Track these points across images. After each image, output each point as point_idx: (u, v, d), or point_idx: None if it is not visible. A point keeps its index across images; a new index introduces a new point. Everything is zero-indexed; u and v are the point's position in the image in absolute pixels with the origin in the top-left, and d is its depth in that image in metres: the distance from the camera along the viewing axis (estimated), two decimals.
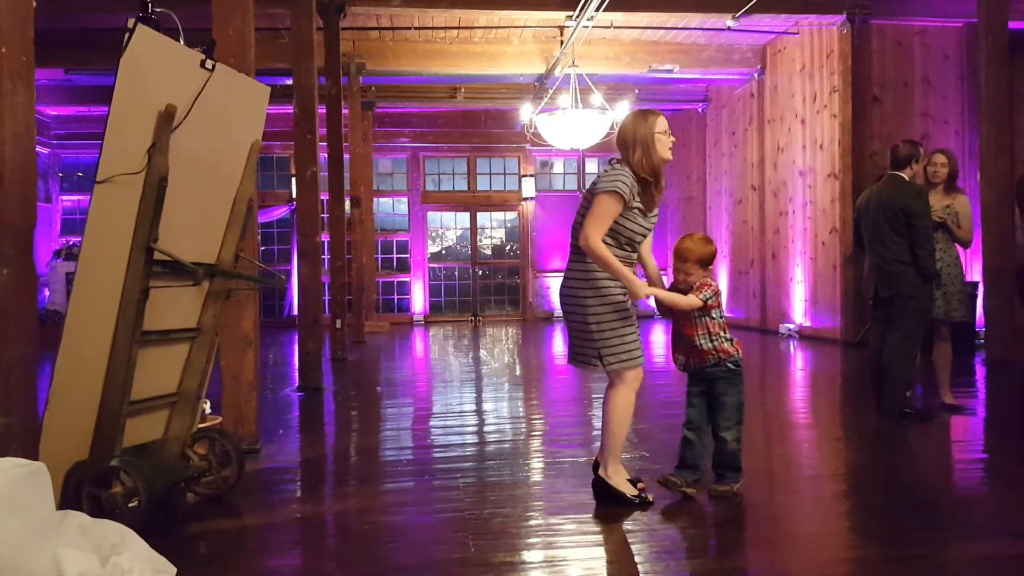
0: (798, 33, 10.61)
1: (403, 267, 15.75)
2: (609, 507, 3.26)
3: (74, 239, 14.01)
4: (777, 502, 3.47)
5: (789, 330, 10.81)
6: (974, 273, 9.36)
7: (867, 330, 6.92)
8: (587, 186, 3.39)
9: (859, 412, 5.37)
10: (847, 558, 2.75)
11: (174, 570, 2.48)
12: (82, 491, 2.87)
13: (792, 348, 9.60)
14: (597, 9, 8.64)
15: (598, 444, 3.48)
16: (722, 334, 3.37)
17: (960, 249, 5.25)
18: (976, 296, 8.49)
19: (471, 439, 4.76)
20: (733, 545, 2.89)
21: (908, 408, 4.92)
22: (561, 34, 10.60)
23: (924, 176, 5.21)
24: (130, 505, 2.88)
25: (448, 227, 16.23)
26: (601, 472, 3.33)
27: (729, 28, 9.78)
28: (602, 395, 3.44)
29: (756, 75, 11.79)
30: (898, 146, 5.07)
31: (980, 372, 7.24)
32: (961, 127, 9.70)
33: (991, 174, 7.84)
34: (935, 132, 9.57)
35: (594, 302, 3.22)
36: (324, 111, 8.52)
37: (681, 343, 3.44)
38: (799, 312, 10.73)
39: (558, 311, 16.56)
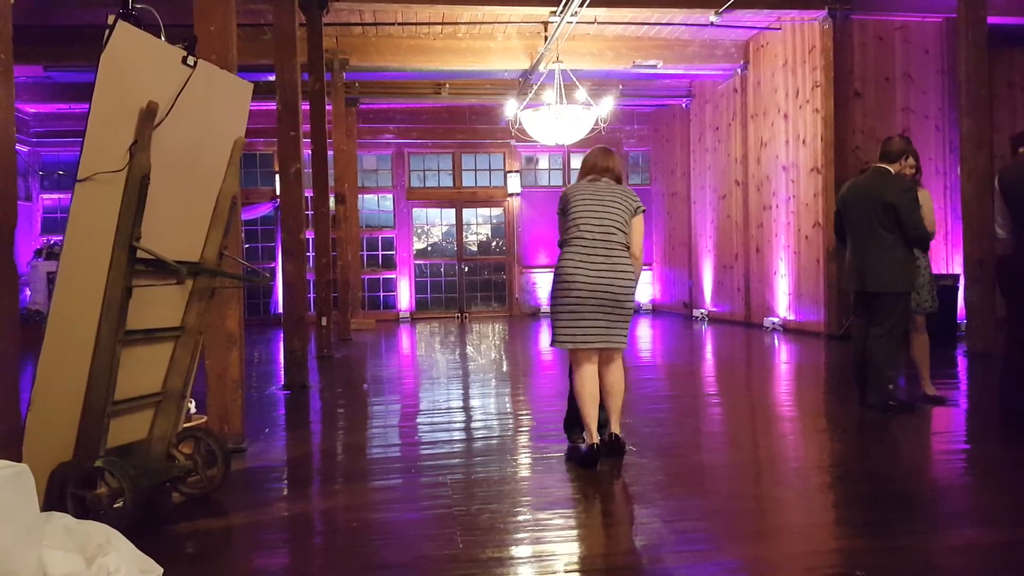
0: (780, 28, 10.66)
1: (388, 264, 15.71)
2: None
3: (55, 238, 13.89)
4: (763, 494, 3.50)
5: (773, 324, 10.87)
6: (954, 265, 9.47)
7: (850, 323, 6.98)
8: (613, 192, 4.02)
9: (843, 404, 5.41)
10: (832, 549, 2.78)
11: (160, 570, 2.47)
12: (66, 492, 2.85)
13: (776, 341, 9.66)
14: (581, 5, 8.65)
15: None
16: None
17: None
18: (957, 288, 8.58)
19: (458, 435, 4.76)
20: (720, 537, 2.91)
21: (891, 400, 4.97)
22: (545, 30, 10.61)
23: None
24: (115, 506, 2.86)
25: (433, 223, 16.21)
26: (618, 431, 3.96)
27: (712, 24, 9.83)
28: None
29: (739, 70, 11.84)
30: (892, 139, 5.10)
31: (962, 364, 7.32)
32: (941, 121, 9.79)
33: (971, 168, 7.93)
34: (916, 126, 9.66)
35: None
36: (307, 107, 8.48)
37: None
38: (783, 306, 10.80)
39: (544, 307, 16.54)
